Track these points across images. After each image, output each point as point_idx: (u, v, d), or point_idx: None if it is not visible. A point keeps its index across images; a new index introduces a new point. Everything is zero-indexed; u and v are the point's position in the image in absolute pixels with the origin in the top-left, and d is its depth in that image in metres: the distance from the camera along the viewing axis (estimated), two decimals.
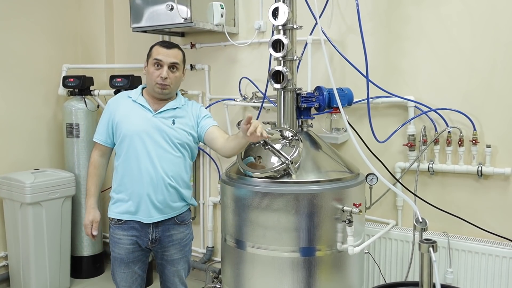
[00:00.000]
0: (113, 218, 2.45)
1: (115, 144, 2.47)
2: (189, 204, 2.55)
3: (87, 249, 3.87)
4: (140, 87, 2.54)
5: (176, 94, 2.53)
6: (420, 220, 1.90)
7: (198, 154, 3.68)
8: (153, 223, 2.41)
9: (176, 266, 2.54)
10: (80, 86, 3.73)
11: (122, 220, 2.43)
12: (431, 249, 1.81)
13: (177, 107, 2.46)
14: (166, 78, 2.37)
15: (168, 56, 2.37)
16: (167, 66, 2.37)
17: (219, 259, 3.50)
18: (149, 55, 2.44)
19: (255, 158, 2.41)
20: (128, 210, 2.40)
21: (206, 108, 3.58)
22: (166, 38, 3.73)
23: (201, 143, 2.55)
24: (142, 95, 2.48)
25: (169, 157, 2.38)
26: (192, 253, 3.72)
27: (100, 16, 4.03)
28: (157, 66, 2.38)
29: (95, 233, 2.48)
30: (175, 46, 2.45)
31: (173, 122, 2.42)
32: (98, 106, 3.87)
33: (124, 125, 2.40)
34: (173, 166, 2.39)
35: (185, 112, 2.49)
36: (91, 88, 3.85)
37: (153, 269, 3.74)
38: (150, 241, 2.43)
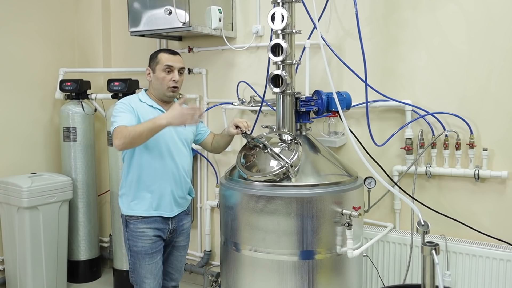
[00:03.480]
0: (132, 215, 2.52)
1: None
2: (192, 195, 2.72)
3: (83, 254, 3.86)
4: (142, 92, 2.61)
5: None
6: (422, 222, 1.90)
7: (196, 158, 3.68)
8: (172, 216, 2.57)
9: (180, 251, 2.73)
10: (77, 90, 3.72)
11: (144, 215, 2.51)
12: (433, 251, 1.81)
13: None
14: (177, 81, 2.55)
15: (176, 61, 2.56)
16: (177, 70, 2.55)
17: (217, 263, 3.51)
18: (155, 62, 2.55)
19: (254, 162, 2.42)
20: (151, 206, 2.50)
21: (205, 111, 3.60)
22: (164, 42, 3.74)
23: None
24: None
25: (184, 155, 2.59)
26: (190, 257, 3.75)
27: (97, 20, 4.02)
28: (168, 71, 2.53)
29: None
30: (178, 53, 2.63)
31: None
32: (96, 110, 3.86)
33: None
34: (188, 163, 2.62)
35: None
36: (88, 92, 3.84)
37: None
38: (169, 232, 2.58)
